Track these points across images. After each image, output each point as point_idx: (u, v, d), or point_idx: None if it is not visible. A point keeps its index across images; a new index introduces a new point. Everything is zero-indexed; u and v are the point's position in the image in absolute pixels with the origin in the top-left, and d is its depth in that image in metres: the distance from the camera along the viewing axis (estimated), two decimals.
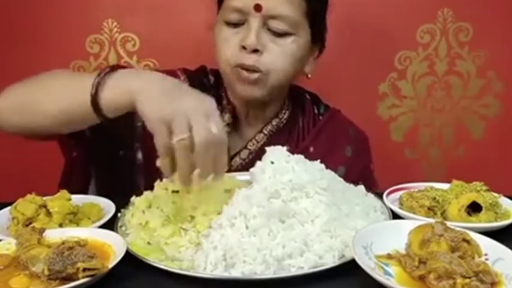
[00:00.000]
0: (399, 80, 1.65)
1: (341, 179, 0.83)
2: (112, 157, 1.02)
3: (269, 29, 0.96)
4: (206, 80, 1.10)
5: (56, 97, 0.85)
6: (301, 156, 0.78)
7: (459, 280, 0.57)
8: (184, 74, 1.09)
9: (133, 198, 0.84)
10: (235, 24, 0.97)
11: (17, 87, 0.93)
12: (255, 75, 0.96)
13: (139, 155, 1.03)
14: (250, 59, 0.95)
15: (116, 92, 0.77)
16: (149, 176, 0.85)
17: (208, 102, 0.74)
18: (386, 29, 1.60)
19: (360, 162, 1.11)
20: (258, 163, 0.76)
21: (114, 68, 0.81)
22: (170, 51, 1.55)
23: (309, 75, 1.07)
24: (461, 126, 1.68)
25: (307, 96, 1.16)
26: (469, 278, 0.57)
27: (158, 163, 0.72)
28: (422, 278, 0.60)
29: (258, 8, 0.93)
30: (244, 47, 0.94)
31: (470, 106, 1.66)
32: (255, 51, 0.95)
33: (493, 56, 1.61)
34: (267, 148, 0.78)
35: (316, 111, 1.15)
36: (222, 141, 0.71)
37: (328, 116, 1.14)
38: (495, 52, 1.60)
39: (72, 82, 0.87)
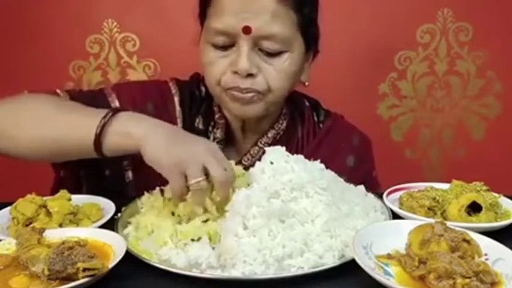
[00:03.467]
0: (399, 80, 1.65)
1: (341, 179, 0.83)
2: (98, 177, 0.99)
3: (261, 49, 0.89)
4: (198, 91, 1.05)
5: (50, 135, 0.81)
6: (300, 156, 0.77)
7: (459, 280, 0.57)
8: (176, 86, 1.04)
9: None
10: (223, 47, 0.90)
11: None
12: (251, 95, 0.90)
13: (129, 174, 0.99)
14: (244, 83, 0.89)
15: (120, 138, 0.78)
16: (138, 192, 0.86)
17: (212, 144, 0.77)
18: (386, 29, 1.60)
19: (362, 171, 1.07)
20: (258, 163, 0.76)
21: (116, 111, 0.80)
22: (170, 51, 1.55)
23: (307, 83, 1.02)
24: (461, 126, 1.68)
25: (307, 103, 1.11)
26: (469, 278, 0.57)
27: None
28: (422, 278, 0.60)
29: (247, 30, 0.86)
30: (236, 72, 0.89)
31: (470, 106, 1.66)
32: (249, 75, 0.89)
33: (493, 56, 1.61)
34: (266, 148, 0.78)
35: (316, 118, 1.09)
36: (234, 178, 0.74)
37: (329, 124, 1.08)
38: (495, 52, 1.61)
39: (65, 118, 0.83)
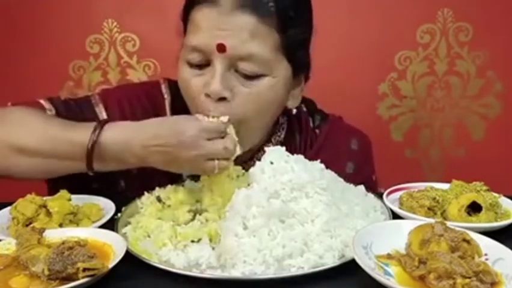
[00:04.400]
0: (399, 80, 1.65)
1: (341, 179, 0.83)
2: (86, 189, 0.94)
3: (237, 71, 0.82)
4: None
5: (39, 153, 0.80)
6: (300, 156, 0.77)
7: (459, 280, 0.57)
8: (168, 89, 1.00)
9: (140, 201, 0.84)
10: (198, 65, 0.84)
11: None
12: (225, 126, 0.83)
13: (122, 184, 0.96)
14: (216, 109, 0.81)
15: (114, 162, 0.79)
16: (140, 193, 0.86)
17: (199, 127, 0.77)
18: (386, 29, 1.60)
19: (362, 176, 1.03)
20: (258, 163, 0.76)
21: (102, 125, 0.79)
22: (170, 51, 1.55)
23: (294, 111, 0.96)
24: (461, 126, 1.68)
25: (304, 108, 1.04)
26: (469, 278, 0.57)
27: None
28: (422, 278, 0.60)
29: (221, 48, 0.79)
30: (208, 95, 0.82)
31: (470, 106, 1.66)
32: (222, 99, 0.81)
33: (493, 56, 1.61)
34: (266, 148, 0.78)
35: (311, 124, 1.04)
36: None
37: (326, 130, 1.03)
38: (495, 52, 1.61)
39: (59, 138, 0.80)
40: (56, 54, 1.59)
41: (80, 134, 0.79)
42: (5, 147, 0.81)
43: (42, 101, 0.92)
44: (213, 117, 0.80)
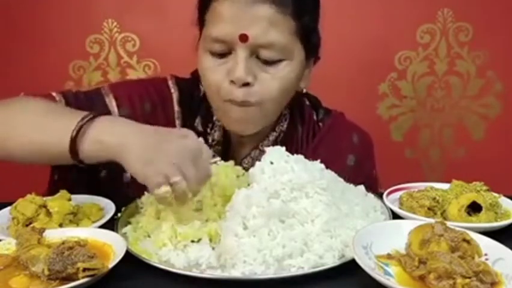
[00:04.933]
0: (399, 80, 1.65)
1: (341, 179, 0.83)
2: (93, 178, 0.97)
3: (259, 57, 0.87)
4: (197, 92, 1.02)
5: (31, 139, 0.80)
6: (300, 156, 0.77)
7: (459, 280, 0.57)
8: (176, 85, 1.03)
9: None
10: (220, 54, 0.88)
11: None
12: (249, 111, 0.89)
13: (127, 175, 0.93)
14: (240, 94, 0.86)
15: (96, 145, 0.76)
16: (139, 192, 0.85)
17: (191, 143, 0.74)
18: (386, 29, 1.60)
19: (363, 171, 1.06)
20: (258, 163, 0.76)
21: (95, 115, 0.78)
22: (170, 51, 1.55)
23: (304, 90, 1.01)
24: (461, 126, 1.68)
25: (307, 102, 1.09)
26: (469, 278, 0.57)
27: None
28: (422, 278, 0.60)
29: (243, 38, 0.84)
30: (233, 82, 0.86)
31: (470, 106, 1.66)
32: (245, 84, 0.86)
33: (493, 56, 1.61)
34: (266, 148, 0.78)
35: (315, 117, 1.07)
36: (209, 176, 0.75)
37: (329, 123, 1.07)
38: (495, 52, 1.61)
39: (47, 122, 0.81)
40: (56, 54, 1.59)
41: (72, 120, 0.78)
42: (6, 138, 0.82)
43: (53, 93, 0.94)
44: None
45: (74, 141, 0.76)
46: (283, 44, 0.87)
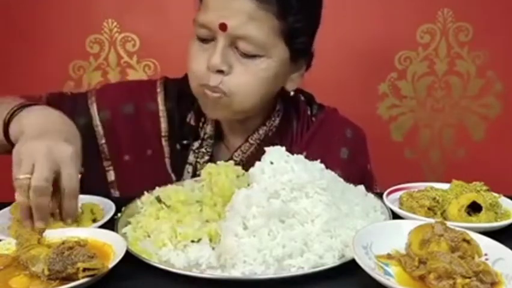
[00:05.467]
0: (399, 80, 1.65)
1: (341, 179, 0.83)
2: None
3: (237, 48, 0.90)
4: (189, 89, 1.01)
5: None
6: (300, 156, 0.77)
7: (459, 280, 0.57)
8: (162, 85, 1.07)
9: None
10: (205, 40, 0.92)
11: None
12: (216, 95, 0.91)
13: (111, 174, 1.02)
14: (214, 80, 0.90)
15: (16, 128, 0.82)
16: (124, 193, 0.87)
17: (65, 151, 0.75)
18: (386, 29, 1.60)
19: (357, 165, 1.07)
20: (257, 163, 0.76)
21: (30, 104, 0.85)
22: (170, 51, 1.55)
23: (292, 93, 1.03)
24: (461, 127, 1.68)
25: (302, 98, 1.11)
26: (469, 278, 0.57)
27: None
28: (422, 278, 0.60)
29: (223, 27, 0.87)
30: (209, 67, 0.90)
31: (470, 106, 1.66)
32: (220, 71, 0.90)
33: (493, 56, 1.61)
34: (266, 148, 0.78)
35: (309, 112, 1.09)
36: (68, 190, 0.74)
37: (322, 117, 1.08)
38: (495, 52, 1.61)
39: None
40: (56, 54, 1.59)
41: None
42: None
43: (43, 95, 1.01)
44: None
45: (7, 125, 0.83)
46: (260, 40, 0.89)
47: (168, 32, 1.57)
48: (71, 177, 0.74)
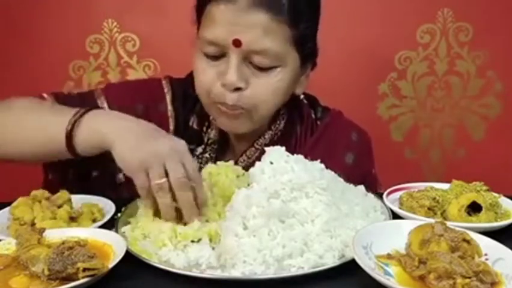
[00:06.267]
0: (399, 80, 1.65)
1: (341, 179, 0.83)
2: (85, 178, 0.99)
3: (251, 63, 0.87)
4: (192, 90, 1.01)
5: (28, 136, 0.84)
6: (300, 156, 0.77)
7: (459, 280, 0.57)
8: (169, 84, 1.04)
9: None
10: (214, 56, 0.89)
11: None
12: (237, 112, 0.89)
13: (120, 176, 0.98)
14: (231, 98, 0.87)
15: (90, 135, 0.79)
16: (132, 194, 0.86)
17: (180, 145, 0.76)
18: (386, 29, 1.60)
19: (361, 169, 1.06)
20: (257, 163, 0.76)
21: (88, 109, 0.82)
22: (170, 51, 1.55)
23: (301, 96, 1.02)
24: (461, 126, 1.68)
25: (305, 101, 1.09)
26: (469, 278, 0.57)
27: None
28: (422, 278, 0.60)
29: (237, 43, 0.84)
30: (225, 85, 0.87)
31: (470, 106, 1.66)
32: (237, 89, 0.87)
33: (493, 56, 1.61)
34: (266, 148, 0.78)
35: (313, 116, 1.08)
36: (196, 180, 0.75)
37: (327, 121, 1.07)
38: (495, 52, 1.61)
39: (46, 120, 0.85)
40: (56, 54, 1.59)
41: (65, 115, 0.81)
42: (1, 138, 0.86)
43: (44, 95, 0.96)
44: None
45: (69, 134, 0.79)
46: (276, 51, 0.87)
47: (168, 32, 1.56)
48: (195, 167, 0.76)
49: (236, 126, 0.94)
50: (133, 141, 0.75)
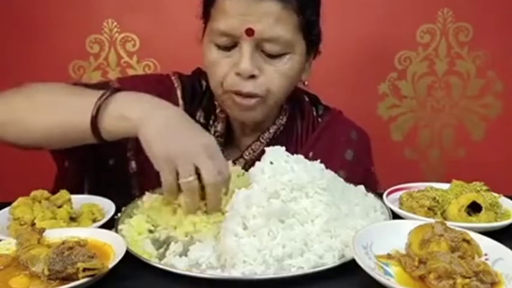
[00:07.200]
0: (399, 80, 1.65)
1: (341, 179, 0.83)
2: (102, 166, 1.00)
3: (263, 51, 0.90)
4: (198, 85, 1.06)
5: (48, 117, 0.82)
6: (300, 156, 0.77)
7: (459, 280, 0.57)
8: (178, 79, 1.06)
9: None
10: (226, 47, 0.91)
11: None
12: (253, 101, 0.92)
13: (133, 164, 1.00)
14: (246, 86, 0.90)
15: (117, 120, 0.77)
16: (143, 184, 0.86)
17: (211, 140, 0.76)
18: (386, 29, 1.60)
19: (361, 166, 1.08)
20: (258, 163, 0.76)
21: (115, 91, 0.80)
22: (170, 51, 1.55)
23: (306, 83, 1.04)
24: (461, 127, 1.68)
25: (306, 98, 1.12)
26: (469, 278, 0.57)
27: (163, 196, 0.78)
28: (422, 278, 0.60)
29: (249, 32, 0.87)
30: (239, 74, 0.89)
31: (470, 106, 1.66)
32: (251, 76, 0.90)
33: (493, 56, 1.61)
34: (266, 148, 0.78)
35: (315, 113, 1.11)
36: (227, 179, 0.75)
37: (328, 119, 1.09)
38: (495, 52, 1.61)
39: (68, 101, 0.84)
40: (56, 54, 1.59)
41: (92, 96, 0.80)
42: (32, 120, 0.84)
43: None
44: None
45: (94, 118, 0.77)
46: (287, 39, 0.90)
47: (168, 32, 1.56)
48: (226, 164, 0.76)
49: (248, 116, 0.96)
50: (161, 130, 0.73)
